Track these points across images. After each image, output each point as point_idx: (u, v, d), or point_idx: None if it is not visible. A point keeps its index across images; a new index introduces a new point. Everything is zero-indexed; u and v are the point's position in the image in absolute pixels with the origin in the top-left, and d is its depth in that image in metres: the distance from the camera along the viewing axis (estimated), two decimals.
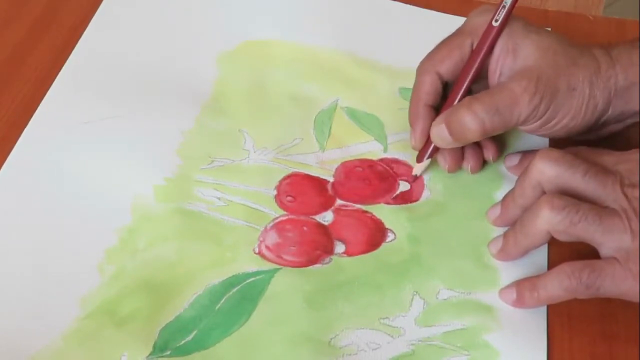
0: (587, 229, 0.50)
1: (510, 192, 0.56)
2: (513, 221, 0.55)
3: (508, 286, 0.54)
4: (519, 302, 0.53)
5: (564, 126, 0.57)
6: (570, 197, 0.51)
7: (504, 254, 0.55)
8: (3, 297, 0.53)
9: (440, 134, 0.57)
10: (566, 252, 0.54)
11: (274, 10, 0.71)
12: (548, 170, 0.52)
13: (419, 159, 0.60)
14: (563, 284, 0.51)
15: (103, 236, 0.56)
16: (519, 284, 0.53)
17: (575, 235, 0.51)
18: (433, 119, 0.58)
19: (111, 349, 0.51)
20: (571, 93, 0.56)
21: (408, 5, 0.72)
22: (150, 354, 0.51)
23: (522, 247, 0.54)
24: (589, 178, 0.52)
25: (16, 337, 0.51)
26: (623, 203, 0.51)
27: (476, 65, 0.58)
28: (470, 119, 0.56)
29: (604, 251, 0.51)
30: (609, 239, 0.50)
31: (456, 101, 0.58)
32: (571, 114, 0.57)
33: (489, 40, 0.58)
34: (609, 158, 0.54)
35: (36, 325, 0.52)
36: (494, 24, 0.57)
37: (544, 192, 0.53)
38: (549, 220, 0.51)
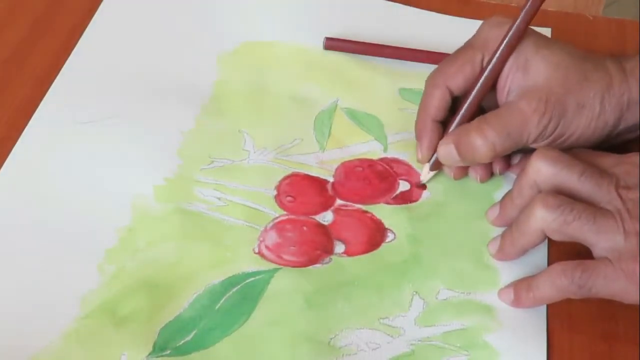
0: (580, 229, 0.50)
1: (509, 193, 0.56)
2: (511, 221, 0.55)
3: (506, 287, 0.54)
4: (517, 303, 0.53)
5: (572, 142, 0.57)
6: (566, 197, 0.51)
7: (502, 254, 0.55)
8: (3, 297, 0.53)
9: (448, 154, 0.57)
10: (566, 252, 0.54)
11: (273, 11, 0.71)
12: (544, 169, 0.52)
13: (431, 165, 0.59)
14: (555, 283, 0.51)
15: (103, 236, 0.56)
16: (516, 285, 0.53)
17: (568, 235, 0.51)
18: (440, 134, 0.58)
19: (111, 349, 0.51)
20: (580, 110, 0.56)
21: (408, 7, 0.72)
22: (150, 354, 0.51)
23: (518, 246, 0.54)
24: (585, 179, 0.52)
25: (16, 337, 0.51)
26: (617, 204, 0.51)
27: (485, 82, 0.57)
28: (482, 142, 0.56)
29: (596, 251, 0.51)
30: (602, 239, 0.50)
31: (459, 116, 0.58)
32: (580, 131, 0.56)
33: (500, 58, 0.57)
34: (608, 160, 0.54)
35: (36, 325, 0.51)
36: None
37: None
38: (543, 218, 0.51)
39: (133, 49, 0.68)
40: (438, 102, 0.58)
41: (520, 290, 0.53)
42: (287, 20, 0.71)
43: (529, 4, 0.56)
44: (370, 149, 0.62)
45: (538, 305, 0.53)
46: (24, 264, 0.54)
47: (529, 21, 0.56)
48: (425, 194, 0.60)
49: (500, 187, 0.60)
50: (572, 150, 0.55)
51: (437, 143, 0.58)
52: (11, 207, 0.57)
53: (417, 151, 0.60)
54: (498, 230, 0.57)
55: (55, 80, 0.65)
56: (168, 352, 0.51)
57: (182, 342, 0.51)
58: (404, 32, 0.70)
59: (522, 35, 0.56)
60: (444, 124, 0.59)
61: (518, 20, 0.56)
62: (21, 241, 0.56)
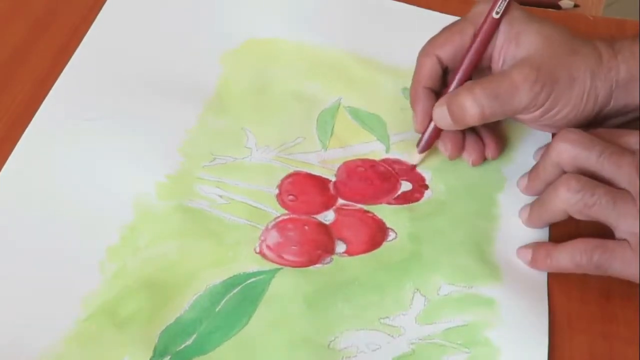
0: (601, 212, 0.52)
1: (535, 167, 0.58)
2: (539, 192, 0.57)
3: (526, 246, 0.56)
4: (533, 264, 0.55)
5: (564, 116, 0.58)
6: (589, 176, 0.53)
7: (530, 222, 0.57)
8: (5, 297, 0.53)
9: (441, 115, 0.58)
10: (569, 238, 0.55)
11: (278, 9, 0.71)
12: (565, 151, 0.54)
13: (419, 146, 0.60)
14: (574, 259, 0.53)
15: (105, 234, 0.56)
16: (536, 247, 0.55)
17: (590, 216, 0.53)
18: (433, 102, 0.59)
19: (112, 353, 0.51)
20: (572, 83, 0.56)
21: (410, 6, 0.72)
22: (150, 359, 0.50)
23: (543, 220, 0.56)
24: (604, 159, 0.53)
25: (18, 339, 0.51)
26: (637, 186, 0.51)
27: (473, 52, 0.58)
28: (471, 103, 0.57)
29: (617, 234, 0.52)
30: (622, 223, 0.52)
31: (452, 86, 0.59)
32: (572, 104, 0.57)
33: (487, 30, 0.58)
34: (630, 138, 0.55)
35: (37, 327, 0.51)
36: (495, 15, 0.58)
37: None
38: (565, 200, 0.53)
39: (136, 47, 0.68)
40: (429, 71, 0.59)
41: (538, 254, 0.55)
42: (290, 18, 0.71)
43: None
44: (372, 149, 0.62)
45: (552, 271, 0.55)
46: (26, 263, 0.54)
47: None
48: (427, 193, 0.60)
49: (502, 190, 0.60)
50: (597, 130, 0.56)
51: (431, 110, 0.59)
52: (13, 206, 0.57)
53: (413, 120, 0.60)
54: (500, 230, 0.57)
55: (58, 79, 0.65)
56: (168, 357, 0.51)
57: (183, 346, 0.51)
58: (405, 31, 0.70)
59: (509, 6, 0.58)
60: (438, 95, 0.60)
61: None
62: (23, 239, 0.56)
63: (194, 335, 0.52)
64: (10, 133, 0.62)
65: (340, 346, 0.52)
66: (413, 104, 0.60)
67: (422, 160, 0.61)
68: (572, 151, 0.54)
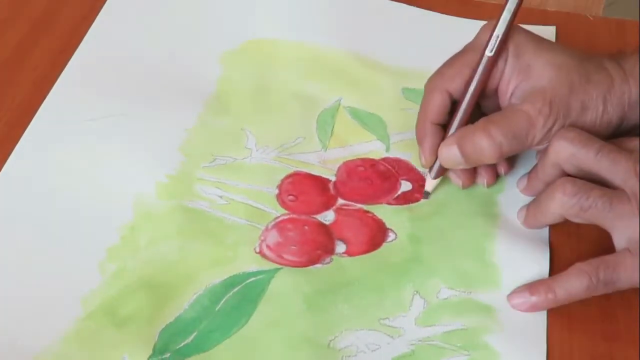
0: (597, 215, 0.52)
1: (535, 167, 0.57)
2: (538, 192, 0.57)
3: (518, 291, 0.54)
4: (534, 307, 0.53)
5: None
6: (587, 175, 0.53)
7: (527, 224, 0.57)
8: (4, 297, 0.53)
9: (451, 155, 0.57)
10: (568, 252, 0.55)
11: (278, 9, 0.71)
12: (563, 150, 0.54)
13: (432, 173, 0.59)
14: (584, 283, 0.52)
15: (105, 234, 0.56)
16: (531, 288, 0.53)
17: (587, 220, 0.53)
18: (441, 137, 0.58)
19: (111, 351, 0.51)
20: (584, 111, 0.56)
21: (410, 7, 0.72)
22: (150, 357, 0.50)
23: (540, 222, 0.56)
24: (601, 157, 0.53)
25: (17, 338, 0.51)
26: (632, 184, 0.51)
27: (479, 81, 0.57)
28: (488, 143, 0.56)
29: (616, 238, 0.52)
30: (620, 225, 0.52)
31: (458, 118, 0.57)
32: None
33: (485, 69, 0.57)
34: (630, 143, 0.55)
35: (37, 326, 0.51)
36: (488, 53, 0.57)
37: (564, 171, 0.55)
38: (561, 204, 0.53)
39: (137, 47, 0.68)
40: (438, 106, 0.58)
41: (538, 293, 0.53)
42: (290, 18, 0.71)
43: (509, 1, 0.56)
44: (372, 149, 0.62)
45: (557, 305, 0.53)
46: (26, 263, 0.54)
47: (512, 19, 0.56)
48: None
49: (502, 190, 0.60)
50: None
51: (439, 146, 0.58)
52: (13, 206, 0.57)
53: (420, 156, 0.59)
54: (500, 230, 0.57)
55: (58, 79, 0.65)
56: (168, 355, 0.51)
57: (182, 344, 0.51)
58: (405, 32, 0.70)
59: (509, 31, 0.56)
60: (444, 127, 0.59)
61: (501, 18, 0.56)
62: (23, 239, 0.56)
63: (194, 334, 0.52)
64: (10, 133, 0.62)
65: (340, 345, 0.52)
66: (420, 140, 0.59)
67: (436, 187, 0.60)
68: (570, 149, 0.53)
